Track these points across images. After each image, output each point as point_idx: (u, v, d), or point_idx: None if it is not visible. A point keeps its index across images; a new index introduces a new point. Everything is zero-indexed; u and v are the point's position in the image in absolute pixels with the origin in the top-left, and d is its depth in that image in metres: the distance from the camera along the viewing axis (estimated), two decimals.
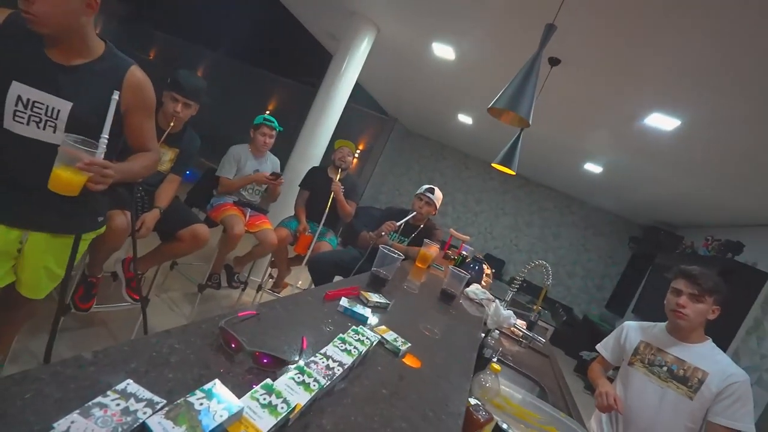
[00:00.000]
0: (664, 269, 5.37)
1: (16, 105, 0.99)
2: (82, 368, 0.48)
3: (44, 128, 1.03)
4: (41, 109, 1.01)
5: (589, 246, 7.24)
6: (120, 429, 0.40)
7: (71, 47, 1.04)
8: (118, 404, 0.42)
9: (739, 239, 4.34)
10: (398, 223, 2.32)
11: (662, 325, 1.57)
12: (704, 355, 1.42)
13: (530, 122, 1.53)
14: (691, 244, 5.41)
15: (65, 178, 0.96)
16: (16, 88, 0.98)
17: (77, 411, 0.40)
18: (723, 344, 3.68)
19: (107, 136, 1.03)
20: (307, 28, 4.73)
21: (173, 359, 0.57)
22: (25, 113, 1.00)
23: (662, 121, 2.97)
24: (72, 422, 0.38)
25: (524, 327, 2.13)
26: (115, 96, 1.04)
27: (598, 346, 1.76)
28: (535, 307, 2.28)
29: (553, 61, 2.74)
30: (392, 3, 3.08)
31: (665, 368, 1.47)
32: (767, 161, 2.88)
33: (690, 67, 2.24)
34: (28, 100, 0.99)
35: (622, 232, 7.10)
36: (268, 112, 9.08)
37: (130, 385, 0.45)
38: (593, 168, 5.00)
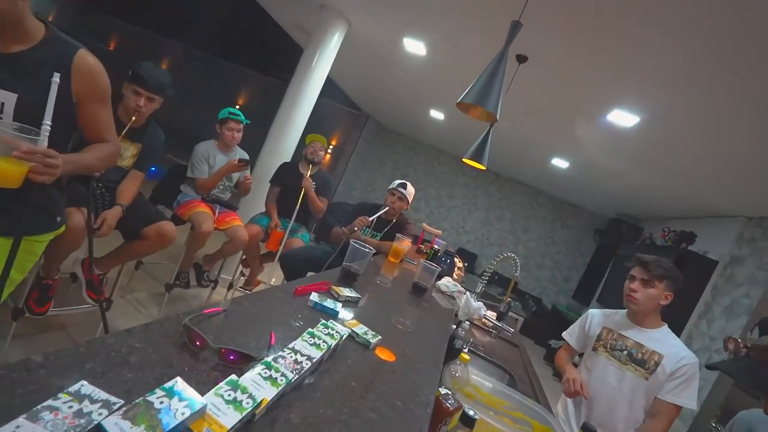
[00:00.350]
0: (625, 259, 5.65)
1: None
2: (30, 372, 0.45)
3: None
4: None
5: (557, 239, 7.51)
6: None
7: (8, 34, 0.95)
8: (70, 407, 0.40)
9: (692, 230, 4.63)
10: (371, 218, 2.32)
11: (623, 311, 1.66)
12: (660, 340, 1.52)
13: (498, 117, 1.56)
14: (650, 236, 5.71)
15: (2, 169, 0.88)
16: None
17: (23, 415, 0.38)
18: (677, 328, 3.93)
19: (50, 123, 0.96)
20: (277, 20, 4.63)
21: (133, 359, 0.55)
22: None
23: (623, 118, 3.10)
24: (17, 427, 0.36)
25: (494, 318, 2.19)
26: (56, 78, 0.96)
27: (564, 334, 1.84)
28: (504, 298, 2.34)
29: (521, 58, 2.81)
30: None
31: (625, 352, 1.55)
32: (716, 158, 3.08)
33: (648, 65, 2.35)
34: None
35: (587, 225, 7.40)
36: (237, 106, 8.84)
37: (84, 387, 0.43)
38: (561, 163, 5.17)
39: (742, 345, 0.87)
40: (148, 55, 9.90)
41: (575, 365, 1.73)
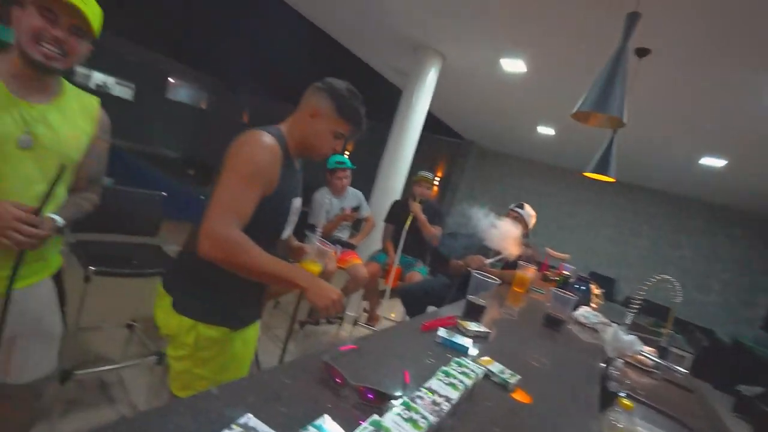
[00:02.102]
0: None
1: (293, 215, 1.14)
2: (208, 401, 0.52)
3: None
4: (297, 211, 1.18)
5: (721, 254, 6.09)
6: None
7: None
8: None
9: None
10: (487, 261, 2.16)
11: None
12: None
13: (625, 121, 1.38)
14: None
15: (317, 271, 1.12)
16: (296, 203, 1.12)
17: None
18: None
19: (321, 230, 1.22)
20: (373, 66, 4.97)
21: (284, 394, 0.59)
22: (292, 219, 1.15)
23: None
24: None
25: (655, 354, 1.83)
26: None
27: None
28: (663, 330, 1.95)
29: (641, 52, 2.48)
30: (454, 29, 3.11)
31: None
32: None
33: None
34: (297, 208, 1.15)
35: (764, 235, 5.85)
36: (347, 152, 9.63)
37: (251, 420, 0.48)
38: (714, 162, 4.28)
39: None
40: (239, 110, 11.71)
41: None
